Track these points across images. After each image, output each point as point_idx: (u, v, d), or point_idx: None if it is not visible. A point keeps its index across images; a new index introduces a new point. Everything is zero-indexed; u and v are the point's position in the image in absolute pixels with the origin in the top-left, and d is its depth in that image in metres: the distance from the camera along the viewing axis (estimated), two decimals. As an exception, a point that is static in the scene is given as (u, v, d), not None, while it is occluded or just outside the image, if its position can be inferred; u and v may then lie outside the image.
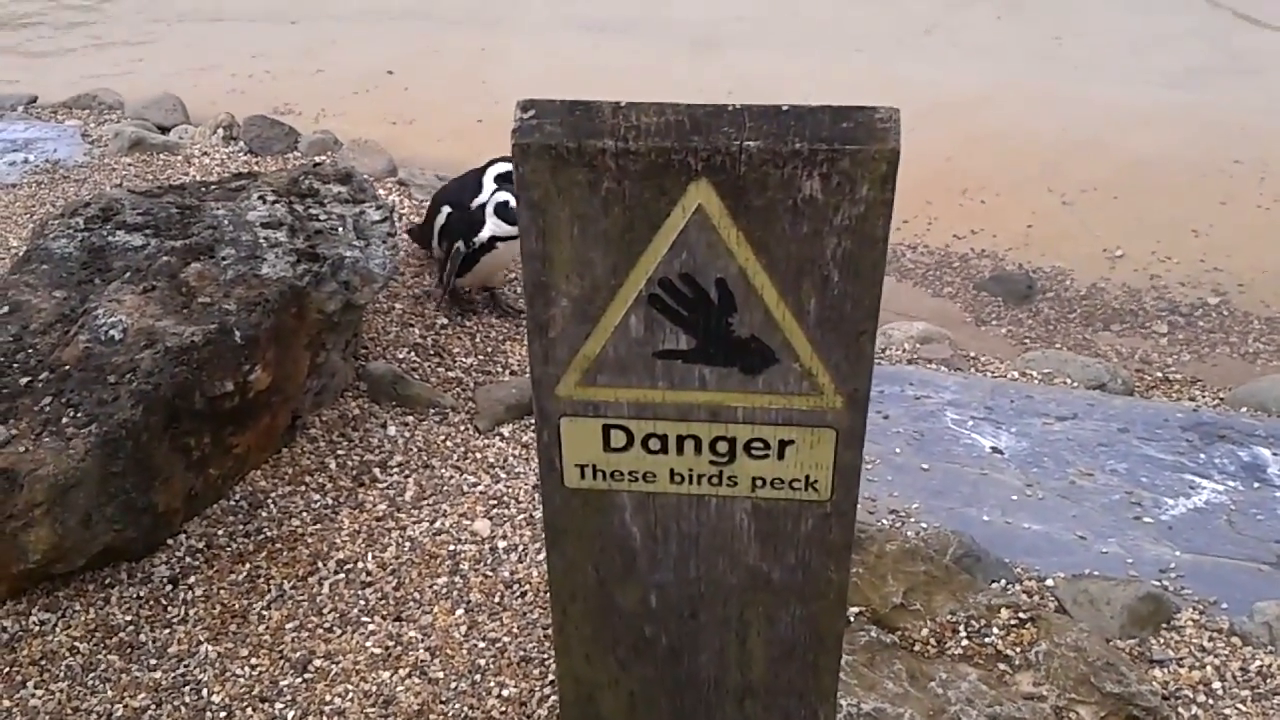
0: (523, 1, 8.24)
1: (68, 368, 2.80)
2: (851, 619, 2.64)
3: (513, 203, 3.49)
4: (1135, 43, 7.40)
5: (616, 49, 7.40)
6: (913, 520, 3.13)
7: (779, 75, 6.88)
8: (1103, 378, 4.02)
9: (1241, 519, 3.22)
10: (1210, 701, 2.58)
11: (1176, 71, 6.97)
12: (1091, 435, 3.55)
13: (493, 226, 3.70)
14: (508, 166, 3.76)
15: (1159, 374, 4.32)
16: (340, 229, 3.46)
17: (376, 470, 3.22)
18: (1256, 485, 3.37)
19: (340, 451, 3.28)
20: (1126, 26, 7.62)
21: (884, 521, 3.12)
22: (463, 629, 2.70)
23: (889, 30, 7.64)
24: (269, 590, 2.82)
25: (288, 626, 2.72)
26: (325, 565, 2.89)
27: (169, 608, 2.77)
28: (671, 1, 8.20)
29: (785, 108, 1.35)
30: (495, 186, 3.80)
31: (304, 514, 3.05)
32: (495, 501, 3.12)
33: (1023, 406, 3.71)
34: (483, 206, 3.73)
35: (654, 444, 1.54)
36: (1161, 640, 2.76)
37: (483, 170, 3.92)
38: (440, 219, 3.90)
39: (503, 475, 3.24)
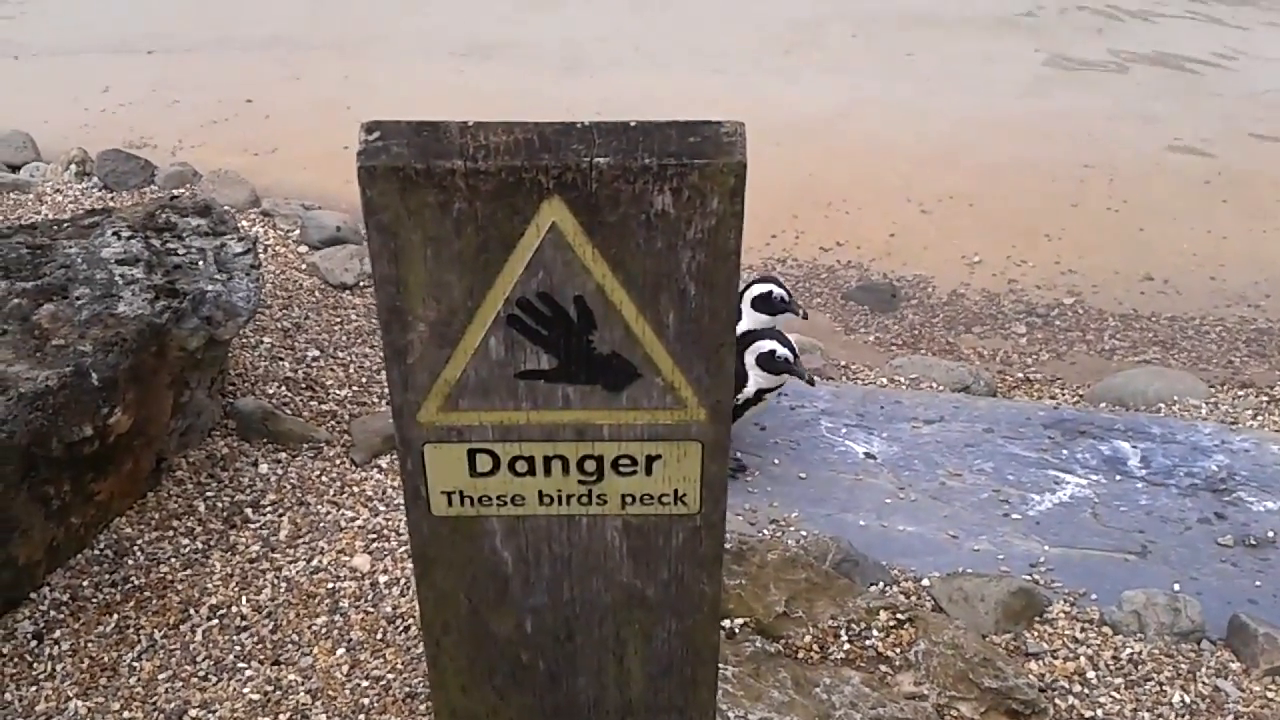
0: (386, 28, 8.16)
1: (-90, 420, 2.67)
2: (736, 630, 2.66)
3: (778, 351, 3.21)
4: (983, 55, 7.67)
5: (483, 74, 7.39)
6: (793, 529, 3.17)
7: (645, 97, 6.95)
8: (966, 380, 4.14)
9: (1106, 511, 3.34)
10: (1085, 691, 2.66)
11: (1024, 81, 7.25)
12: (958, 436, 3.65)
13: (757, 379, 3.26)
14: (764, 288, 3.50)
15: (1020, 374, 4.48)
16: (200, 263, 3.37)
17: (249, 510, 3.13)
18: (1118, 478, 3.50)
19: (209, 493, 3.19)
20: (974, 40, 7.89)
21: (765, 532, 3.15)
22: (345, 669, 2.64)
23: (750, 51, 7.78)
24: (139, 641, 2.71)
25: (160, 677, 2.62)
26: (197, 612, 2.80)
27: (34, 664, 2.64)
28: (536, 26, 8.22)
29: (633, 123, 1.36)
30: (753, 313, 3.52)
31: (173, 560, 2.95)
32: (375, 535, 3.06)
33: (892, 412, 3.80)
34: (743, 356, 3.29)
35: (521, 466, 1.53)
36: (1035, 633, 2.83)
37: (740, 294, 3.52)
38: None
39: (382, 508, 3.18)
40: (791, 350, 3.23)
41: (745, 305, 3.54)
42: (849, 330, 4.94)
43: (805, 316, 3.74)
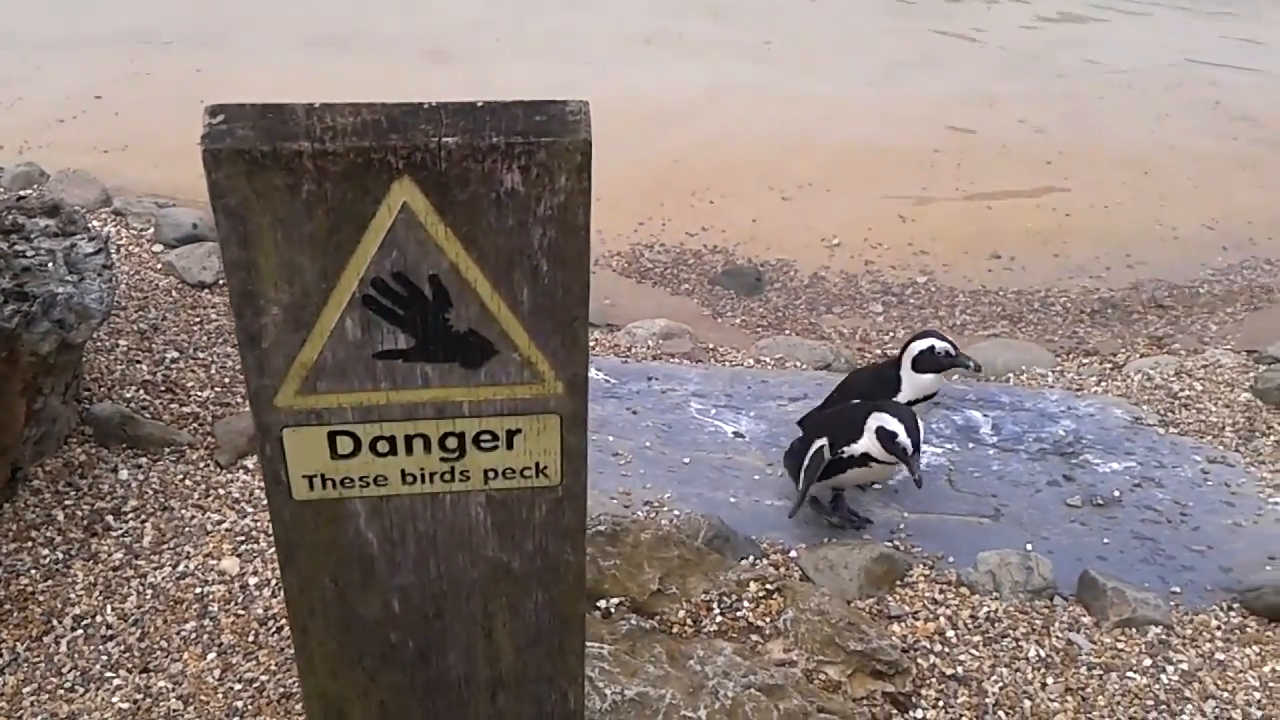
0: (240, 21, 7.97)
1: None
2: (612, 610, 2.70)
3: (900, 437, 2.87)
4: (837, 43, 7.86)
5: (343, 65, 7.28)
6: (666, 509, 3.22)
7: (508, 87, 6.91)
8: (828, 358, 4.26)
9: (960, 477, 3.48)
10: (946, 650, 2.77)
11: (875, 69, 7.45)
12: (822, 412, 3.75)
13: (869, 445, 2.98)
14: (925, 343, 3.20)
15: (878, 351, 4.62)
16: (50, 264, 3.26)
17: (110, 518, 3.05)
18: (971, 445, 3.64)
19: (68, 501, 3.09)
20: (828, 28, 8.08)
21: (639, 513, 3.20)
22: (216, 673, 2.60)
23: (613, 41, 7.83)
24: (0, 655, 2.63)
25: (25, 691, 2.55)
26: (61, 623, 2.72)
27: (-112, 684, 2.55)
28: (397, 17, 8.13)
29: (480, 103, 1.37)
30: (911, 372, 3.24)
31: (33, 571, 2.86)
32: (243, 537, 3.01)
33: (759, 391, 3.88)
34: (868, 414, 3.00)
35: (382, 446, 1.54)
36: (897, 597, 2.94)
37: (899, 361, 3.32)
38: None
39: (249, 509, 3.13)
40: (915, 439, 2.89)
41: (905, 368, 3.24)
42: (717, 314, 5.03)
43: (978, 368, 3.35)
